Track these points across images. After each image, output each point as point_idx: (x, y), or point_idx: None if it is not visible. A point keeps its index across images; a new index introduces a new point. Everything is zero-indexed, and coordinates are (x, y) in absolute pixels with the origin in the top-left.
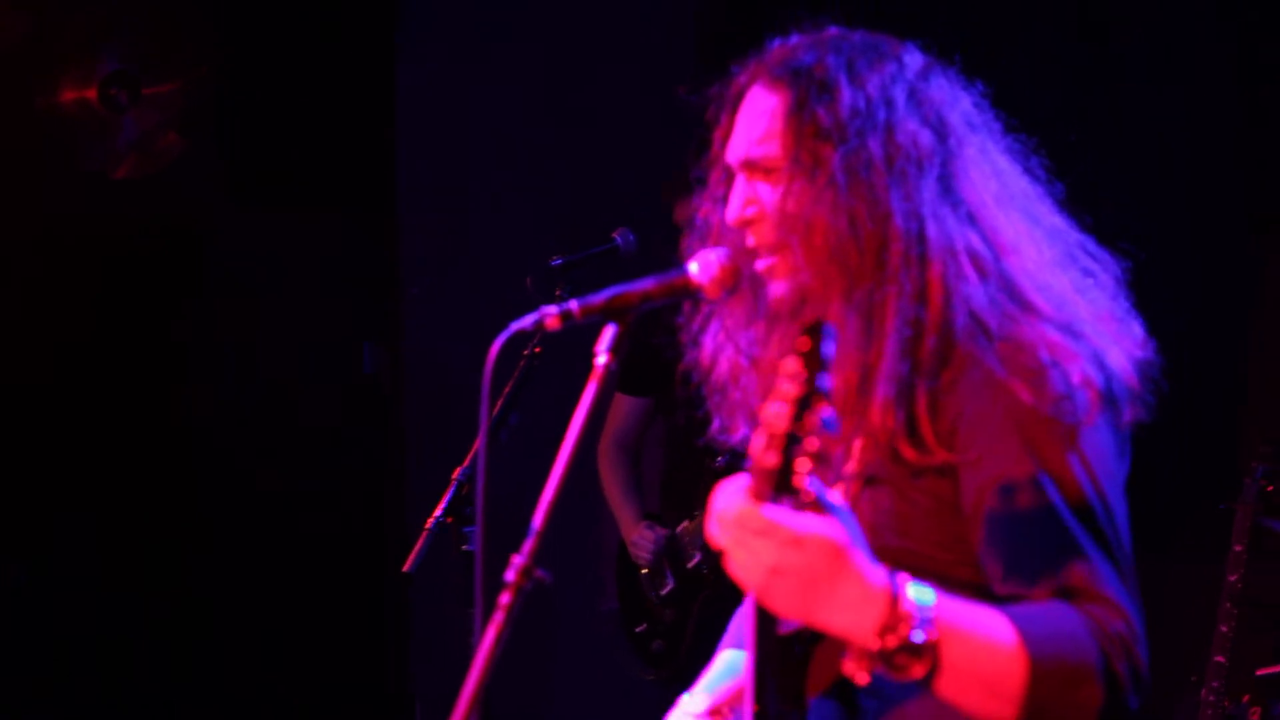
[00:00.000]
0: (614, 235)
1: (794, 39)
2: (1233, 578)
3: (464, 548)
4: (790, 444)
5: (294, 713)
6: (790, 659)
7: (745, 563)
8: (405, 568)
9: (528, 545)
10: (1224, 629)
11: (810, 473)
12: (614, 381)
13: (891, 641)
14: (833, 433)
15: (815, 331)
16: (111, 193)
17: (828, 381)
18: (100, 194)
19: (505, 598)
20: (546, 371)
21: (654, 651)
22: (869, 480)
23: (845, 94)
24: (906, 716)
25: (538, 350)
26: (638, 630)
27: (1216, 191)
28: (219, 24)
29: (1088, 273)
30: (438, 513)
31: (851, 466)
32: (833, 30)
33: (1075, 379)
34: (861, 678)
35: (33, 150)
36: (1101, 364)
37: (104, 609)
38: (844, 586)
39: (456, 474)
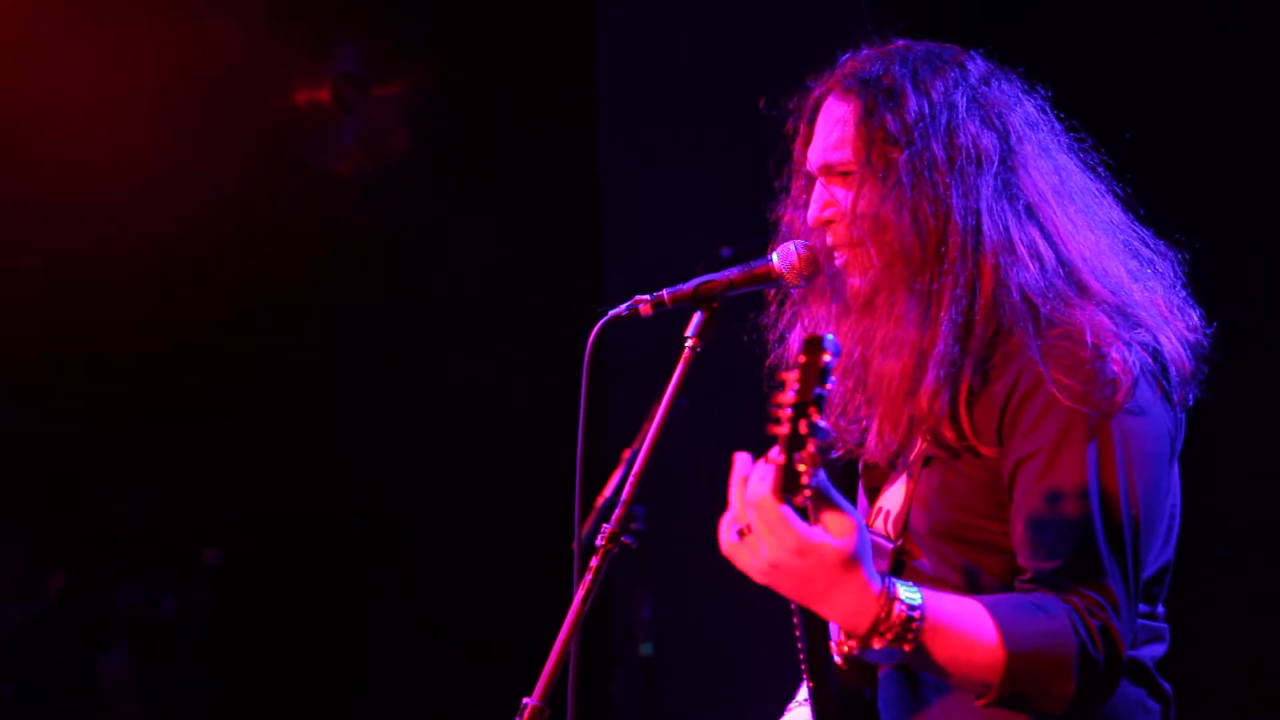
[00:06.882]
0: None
1: (863, 51)
2: None
3: (632, 525)
4: (793, 446)
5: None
6: None
7: (753, 553)
8: (574, 545)
9: (616, 514)
10: None
11: (812, 474)
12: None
13: (877, 643)
14: (824, 440)
15: (813, 346)
16: (335, 190)
17: (827, 391)
18: (324, 191)
19: (594, 561)
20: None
21: None
22: (927, 460)
23: (910, 101)
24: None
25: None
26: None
27: None
28: (439, 25)
29: (1145, 263)
30: (608, 491)
31: (915, 451)
32: (900, 42)
33: (1115, 365)
34: (838, 658)
35: (266, 150)
36: (1151, 347)
37: (305, 585)
38: (842, 592)
39: (627, 454)
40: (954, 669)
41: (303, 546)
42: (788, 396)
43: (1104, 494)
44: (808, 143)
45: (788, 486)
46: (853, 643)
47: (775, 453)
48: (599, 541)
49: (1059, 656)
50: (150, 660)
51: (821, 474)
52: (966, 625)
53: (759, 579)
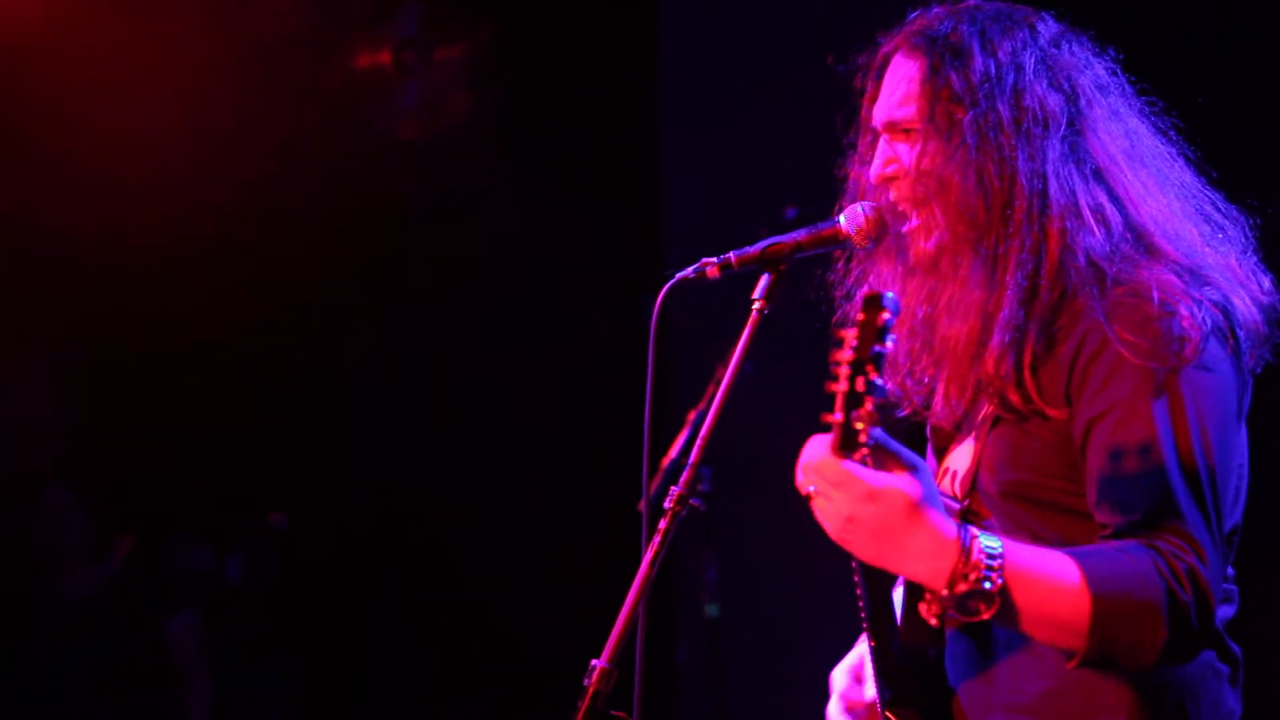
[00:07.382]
0: None
1: (933, 9)
2: None
3: (699, 486)
4: (850, 404)
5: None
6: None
7: (825, 510)
8: (641, 506)
9: (684, 476)
10: None
11: (870, 432)
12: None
13: (962, 588)
14: (883, 398)
15: (872, 303)
16: (396, 156)
17: (886, 349)
18: (385, 158)
19: (663, 523)
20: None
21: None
22: (996, 421)
23: (977, 60)
24: (1034, 642)
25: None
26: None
27: None
28: None
29: (1217, 227)
30: (673, 453)
31: (983, 413)
32: (970, 1)
33: (1185, 322)
34: (932, 619)
35: (327, 115)
36: (1223, 306)
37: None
38: (917, 539)
39: (692, 415)
40: (1040, 618)
41: (368, 520)
42: (845, 354)
43: (1179, 446)
44: (875, 100)
45: (845, 444)
46: (939, 598)
47: (833, 412)
48: (666, 504)
49: (1146, 599)
50: (218, 624)
51: (879, 431)
52: (1049, 569)
53: (834, 537)
